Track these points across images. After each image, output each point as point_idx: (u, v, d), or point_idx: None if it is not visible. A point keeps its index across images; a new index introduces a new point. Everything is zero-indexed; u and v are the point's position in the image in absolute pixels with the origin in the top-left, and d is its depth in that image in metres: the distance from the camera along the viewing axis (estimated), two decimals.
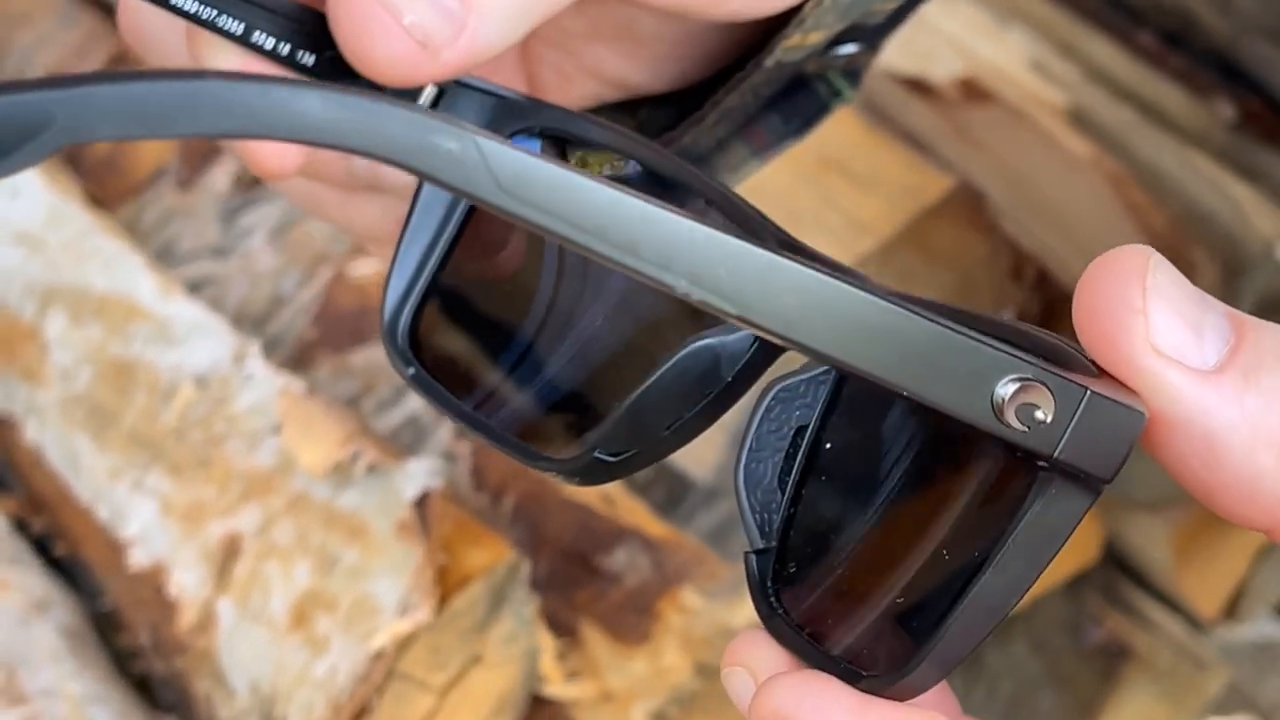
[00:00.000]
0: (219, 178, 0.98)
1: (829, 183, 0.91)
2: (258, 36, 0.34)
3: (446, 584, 0.74)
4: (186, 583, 0.78)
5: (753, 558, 0.33)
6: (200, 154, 0.98)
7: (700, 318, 0.34)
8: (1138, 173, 0.95)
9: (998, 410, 0.28)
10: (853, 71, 0.43)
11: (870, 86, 1.00)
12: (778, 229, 0.35)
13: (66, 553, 0.85)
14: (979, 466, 0.30)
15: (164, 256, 0.95)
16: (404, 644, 0.73)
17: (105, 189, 0.99)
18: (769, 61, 0.40)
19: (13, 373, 0.87)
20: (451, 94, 0.37)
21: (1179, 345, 0.28)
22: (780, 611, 0.33)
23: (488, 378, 0.40)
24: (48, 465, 0.85)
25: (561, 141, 0.38)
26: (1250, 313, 0.29)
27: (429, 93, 0.37)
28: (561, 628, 0.77)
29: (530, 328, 0.40)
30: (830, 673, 0.31)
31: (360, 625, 0.73)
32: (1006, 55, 1.02)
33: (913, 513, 0.32)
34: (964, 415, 0.28)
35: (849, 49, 0.43)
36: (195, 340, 0.84)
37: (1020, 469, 0.29)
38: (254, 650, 0.76)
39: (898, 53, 1.00)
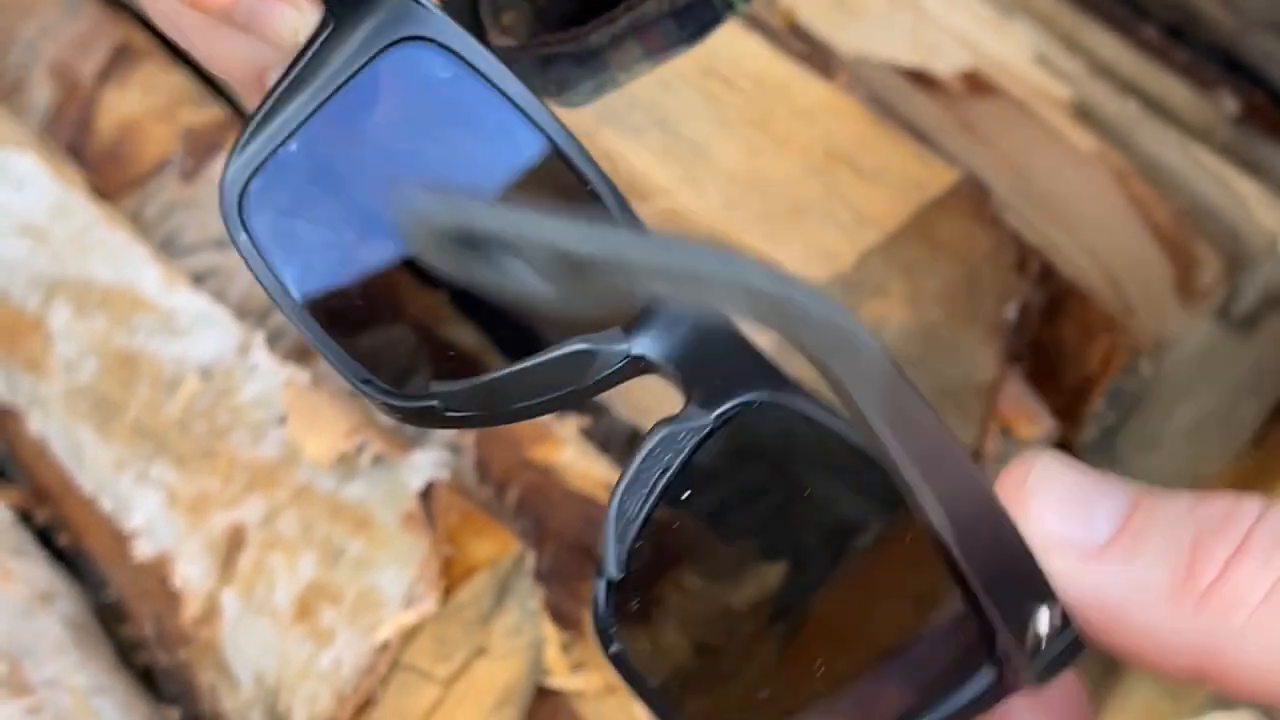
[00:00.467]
0: (222, 169, 0.98)
1: (836, 175, 0.91)
2: None
3: (451, 575, 0.74)
4: (191, 574, 0.78)
5: (600, 583, 0.33)
6: (204, 145, 0.98)
7: (583, 322, 0.34)
8: (1141, 167, 0.95)
9: (1030, 628, 0.28)
10: None
11: (874, 78, 0.99)
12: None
13: (70, 544, 0.85)
14: (928, 616, 0.30)
15: (168, 248, 0.94)
16: (409, 635, 0.73)
17: (109, 180, 0.99)
18: None
19: (17, 364, 0.87)
20: None
21: (1063, 532, 0.29)
22: (618, 646, 0.33)
23: (330, 275, 0.37)
24: (52, 457, 0.85)
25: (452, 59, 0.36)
26: (1254, 306, 0.30)
27: None
28: (566, 619, 0.77)
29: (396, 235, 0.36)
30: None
31: (365, 617, 0.73)
32: (1010, 48, 1.02)
33: (785, 604, 0.32)
34: (998, 622, 0.29)
35: None
36: (200, 331, 0.84)
37: (973, 650, 0.29)
38: (258, 642, 0.76)
39: (901, 45, 1.00)
